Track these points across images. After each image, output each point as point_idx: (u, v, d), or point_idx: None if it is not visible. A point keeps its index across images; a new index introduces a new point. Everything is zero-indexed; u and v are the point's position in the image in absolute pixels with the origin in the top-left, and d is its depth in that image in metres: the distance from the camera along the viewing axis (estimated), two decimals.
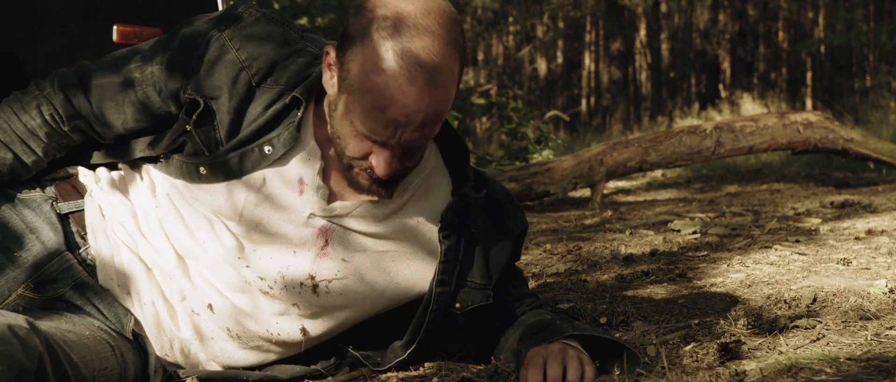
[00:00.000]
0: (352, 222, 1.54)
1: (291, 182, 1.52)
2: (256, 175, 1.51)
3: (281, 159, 1.51)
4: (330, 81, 1.46)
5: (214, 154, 1.51)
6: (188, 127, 1.50)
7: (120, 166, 1.64)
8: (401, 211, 1.57)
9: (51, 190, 1.61)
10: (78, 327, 1.46)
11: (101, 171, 1.63)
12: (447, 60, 1.38)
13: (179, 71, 1.52)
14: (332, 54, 1.45)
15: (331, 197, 1.54)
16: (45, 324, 1.37)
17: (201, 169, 1.52)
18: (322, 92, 1.52)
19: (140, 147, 1.59)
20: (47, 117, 1.57)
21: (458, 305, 1.60)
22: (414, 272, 1.59)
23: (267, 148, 1.50)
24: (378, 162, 1.43)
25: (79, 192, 1.62)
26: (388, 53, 1.35)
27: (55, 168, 1.65)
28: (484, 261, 1.62)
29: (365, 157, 1.45)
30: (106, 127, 1.58)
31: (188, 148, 1.53)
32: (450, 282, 1.59)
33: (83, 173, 1.63)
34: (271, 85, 1.50)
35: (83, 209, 1.59)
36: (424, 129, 1.40)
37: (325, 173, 1.53)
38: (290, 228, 1.53)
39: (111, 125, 1.58)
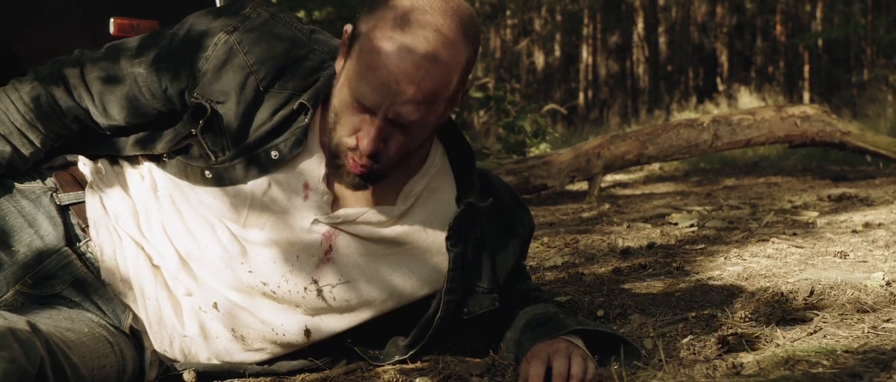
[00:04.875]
0: (356, 228, 1.54)
1: (296, 188, 1.51)
2: (262, 180, 1.50)
3: (287, 165, 1.50)
4: (340, 62, 1.45)
5: (220, 159, 1.50)
6: (194, 131, 1.49)
7: (120, 160, 1.63)
8: (405, 216, 1.56)
9: (51, 180, 1.59)
10: (76, 324, 1.45)
11: (102, 162, 1.62)
12: (453, 40, 1.37)
13: (184, 71, 1.50)
14: (349, 30, 1.45)
15: (335, 203, 1.53)
16: (45, 323, 1.36)
17: (206, 173, 1.51)
18: (329, 97, 1.50)
19: (140, 143, 1.58)
20: (47, 109, 1.56)
21: (465, 311, 1.60)
22: (419, 277, 1.59)
23: (273, 153, 1.49)
24: (363, 134, 1.42)
25: (79, 183, 1.60)
26: (397, 20, 1.36)
27: (53, 156, 1.63)
28: (491, 266, 1.62)
29: (353, 134, 1.43)
30: (106, 119, 1.57)
31: (193, 151, 1.52)
32: (458, 289, 1.58)
33: (83, 163, 1.61)
34: (279, 90, 1.49)
35: (84, 201, 1.57)
36: (416, 105, 1.38)
37: (329, 179, 1.52)
38: (294, 233, 1.52)
39: (112, 118, 1.57)
